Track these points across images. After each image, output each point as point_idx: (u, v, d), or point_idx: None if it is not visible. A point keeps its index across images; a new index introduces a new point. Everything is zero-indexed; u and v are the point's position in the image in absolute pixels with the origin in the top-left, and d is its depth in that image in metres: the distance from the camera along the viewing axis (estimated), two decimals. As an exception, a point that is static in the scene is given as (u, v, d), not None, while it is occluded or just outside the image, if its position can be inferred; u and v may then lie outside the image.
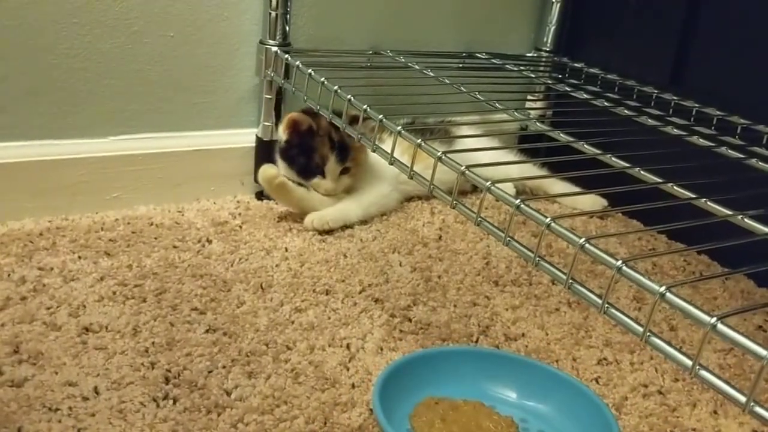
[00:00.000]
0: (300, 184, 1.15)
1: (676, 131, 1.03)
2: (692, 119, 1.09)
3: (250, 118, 1.23)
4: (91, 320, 0.82)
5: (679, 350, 0.53)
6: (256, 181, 1.22)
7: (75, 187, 1.08)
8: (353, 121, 0.97)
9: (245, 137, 1.22)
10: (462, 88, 1.13)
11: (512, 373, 0.78)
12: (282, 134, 1.16)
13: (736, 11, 1.18)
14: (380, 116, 0.89)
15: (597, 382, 0.82)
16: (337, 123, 1.00)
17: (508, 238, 0.68)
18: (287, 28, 1.17)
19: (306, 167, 1.14)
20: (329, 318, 0.89)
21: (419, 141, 0.81)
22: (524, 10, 1.47)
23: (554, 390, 0.75)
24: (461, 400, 0.72)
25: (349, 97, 0.95)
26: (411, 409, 0.71)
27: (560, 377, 0.77)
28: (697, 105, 1.12)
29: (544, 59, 1.48)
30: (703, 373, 0.51)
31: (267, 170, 1.13)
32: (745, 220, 0.71)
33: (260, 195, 1.23)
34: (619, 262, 0.58)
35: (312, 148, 1.14)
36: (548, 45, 1.48)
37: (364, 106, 0.92)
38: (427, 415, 0.70)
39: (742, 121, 1.06)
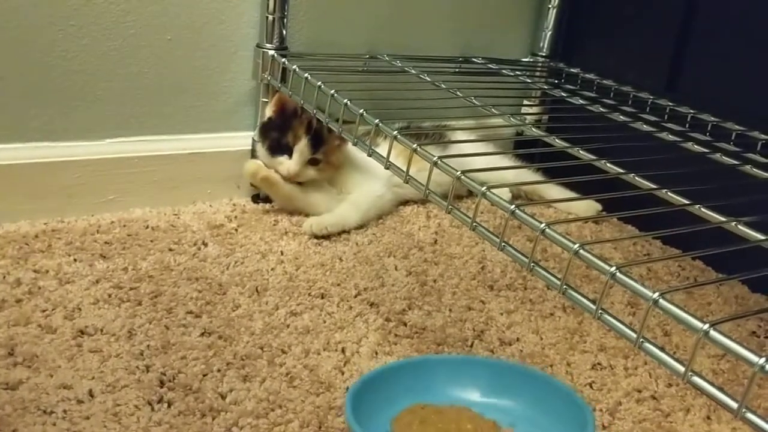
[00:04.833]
0: (269, 166, 1.16)
1: (671, 137, 1.04)
2: (687, 125, 1.10)
3: (247, 122, 1.23)
4: (87, 323, 0.82)
5: (672, 356, 0.53)
6: (252, 184, 1.23)
7: (71, 189, 1.08)
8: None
9: (242, 140, 1.22)
10: (458, 93, 1.13)
11: (512, 382, 0.77)
12: (268, 111, 1.18)
13: (732, 17, 1.18)
14: (376, 120, 0.90)
15: (591, 387, 0.82)
16: (333, 127, 1.00)
17: (503, 243, 0.68)
18: (284, 32, 1.18)
19: (277, 143, 1.15)
20: (324, 322, 0.89)
21: (415, 146, 0.81)
22: (521, 15, 1.48)
23: (543, 393, 0.75)
24: (448, 406, 0.72)
25: (345, 101, 0.95)
26: (394, 414, 0.71)
27: (555, 383, 0.77)
28: (692, 111, 1.13)
29: (540, 64, 1.49)
30: (696, 379, 0.51)
31: (249, 165, 1.16)
32: (739, 226, 0.71)
33: (256, 198, 1.24)
34: (613, 268, 0.58)
35: (289, 126, 1.15)
36: (544, 50, 1.49)
37: (360, 111, 0.92)
38: (408, 417, 0.70)
39: (737, 127, 1.06)
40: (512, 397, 0.75)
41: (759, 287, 1.10)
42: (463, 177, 0.75)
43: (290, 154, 1.14)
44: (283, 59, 1.15)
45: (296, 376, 0.78)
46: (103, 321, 0.83)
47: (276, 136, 1.15)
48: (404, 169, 0.82)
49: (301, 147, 1.14)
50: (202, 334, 0.83)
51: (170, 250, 1.02)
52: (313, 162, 1.16)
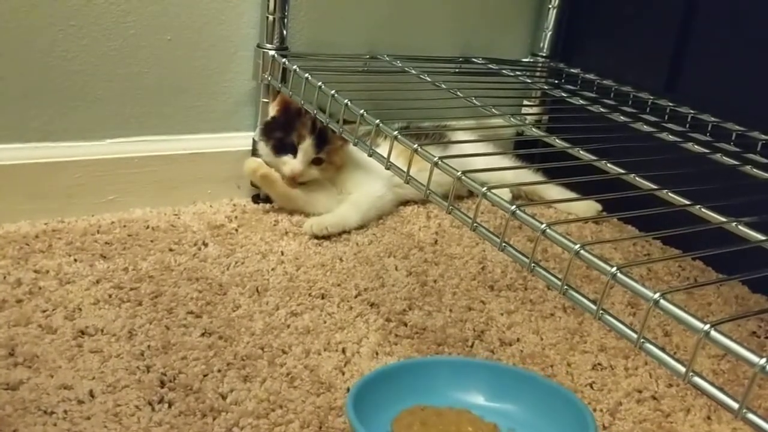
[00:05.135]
0: (271, 165, 1.17)
1: (671, 138, 1.04)
2: (687, 126, 1.10)
3: (247, 122, 1.23)
4: (87, 323, 0.82)
5: (673, 356, 0.53)
6: (252, 184, 1.23)
7: (71, 189, 1.08)
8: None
9: (242, 141, 1.22)
10: (458, 93, 1.13)
11: (513, 385, 0.77)
12: (271, 110, 1.19)
13: (732, 18, 1.18)
14: (377, 120, 0.90)
15: (591, 388, 0.83)
16: (333, 127, 1.00)
17: (504, 244, 0.68)
18: (285, 32, 1.18)
19: (282, 143, 1.15)
20: (325, 322, 0.89)
21: (415, 146, 0.81)
22: (521, 16, 1.48)
23: (544, 396, 0.75)
24: (448, 408, 0.72)
25: (345, 101, 0.95)
26: (394, 415, 0.71)
27: (555, 387, 0.76)
28: (692, 111, 1.13)
29: (540, 64, 1.49)
30: (696, 379, 0.51)
31: (249, 162, 1.18)
32: (739, 227, 0.71)
33: (256, 198, 1.24)
34: (614, 268, 0.58)
35: (293, 126, 1.15)
36: (545, 50, 1.49)
37: (361, 111, 0.92)
38: (408, 418, 0.70)
39: (737, 127, 1.06)
40: (513, 400, 0.75)
41: (759, 287, 1.10)
42: (463, 177, 0.75)
43: (294, 154, 1.14)
44: (284, 59, 1.15)
45: (297, 377, 0.78)
46: (104, 321, 0.83)
47: (280, 136, 1.15)
48: (405, 169, 0.82)
49: (306, 146, 1.14)
50: (203, 335, 0.83)
51: (170, 250, 1.02)
52: (316, 161, 1.16)
